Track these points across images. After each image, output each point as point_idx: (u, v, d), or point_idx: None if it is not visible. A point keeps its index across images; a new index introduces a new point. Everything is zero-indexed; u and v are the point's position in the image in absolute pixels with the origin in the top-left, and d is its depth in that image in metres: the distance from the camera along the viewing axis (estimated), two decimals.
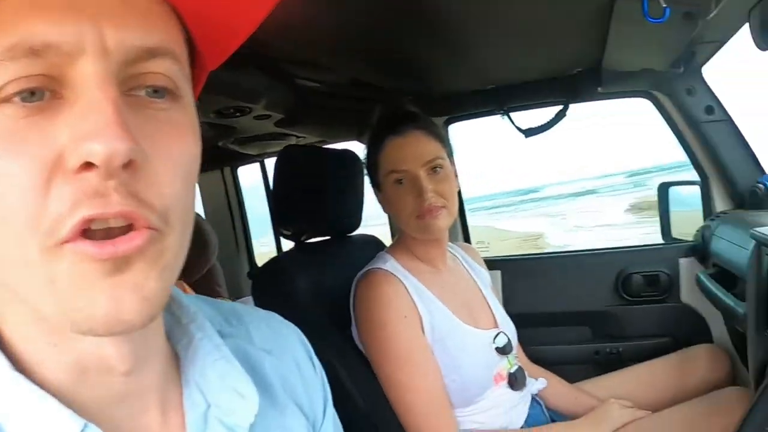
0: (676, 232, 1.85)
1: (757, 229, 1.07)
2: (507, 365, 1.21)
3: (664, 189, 1.88)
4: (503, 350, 1.20)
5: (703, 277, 1.51)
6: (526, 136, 1.77)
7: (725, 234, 1.47)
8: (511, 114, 1.80)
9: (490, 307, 1.27)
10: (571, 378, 1.46)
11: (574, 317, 1.83)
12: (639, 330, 1.78)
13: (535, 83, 1.74)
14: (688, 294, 1.73)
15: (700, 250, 1.68)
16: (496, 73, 1.67)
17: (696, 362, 1.43)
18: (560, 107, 1.75)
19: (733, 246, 1.36)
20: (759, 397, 0.45)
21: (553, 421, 1.28)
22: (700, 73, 1.64)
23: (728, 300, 1.27)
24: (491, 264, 1.70)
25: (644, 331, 1.77)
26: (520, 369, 1.24)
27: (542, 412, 1.29)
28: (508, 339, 1.23)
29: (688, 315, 1.73)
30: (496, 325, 1.24)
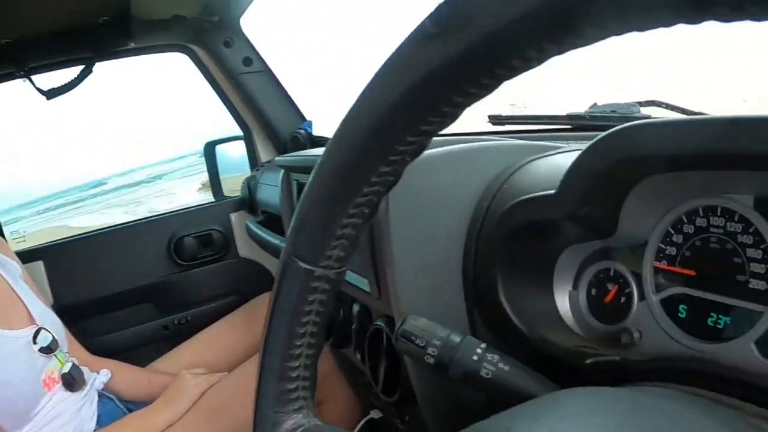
0: (227, 190, 1.85)
1: (280, 157, 1.08)
2: (57, 365, 1.09)
3: (210, 148, 1.84)
4: (49, 349, 1.07)
5: (251, 225, 1.52)
6: (48, 98, 1.46)
7: (268, 180, 1.51)
8: (36, 76, 1.45)
9: (23, 303, 1.11)
10: (147, 360, 1.38)
11: (134, 295, 1.65)
12: (204, 294, 1.73)
13: (58, 36, 1.42)
14: (244, 247, 1.74)
15: (247, 201, 1.71)
16: (8, 23, 1.29)
17: (263, 311, 1.44)
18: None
19: (275, 188, 1.40)
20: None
21: (130, 411, 1.18)
22: (239, 24, 1.63)
23: (275, 240, 1.29)
24: (29, 255, 1.52)
25: (210, 293, 1.73)
26: (74, 366, 1.12)
27: (117, 406, 1.20)
28: (53, 336, 1.10)
29: (250, 268, 1.75)
30: (33, 323, 1.09)
